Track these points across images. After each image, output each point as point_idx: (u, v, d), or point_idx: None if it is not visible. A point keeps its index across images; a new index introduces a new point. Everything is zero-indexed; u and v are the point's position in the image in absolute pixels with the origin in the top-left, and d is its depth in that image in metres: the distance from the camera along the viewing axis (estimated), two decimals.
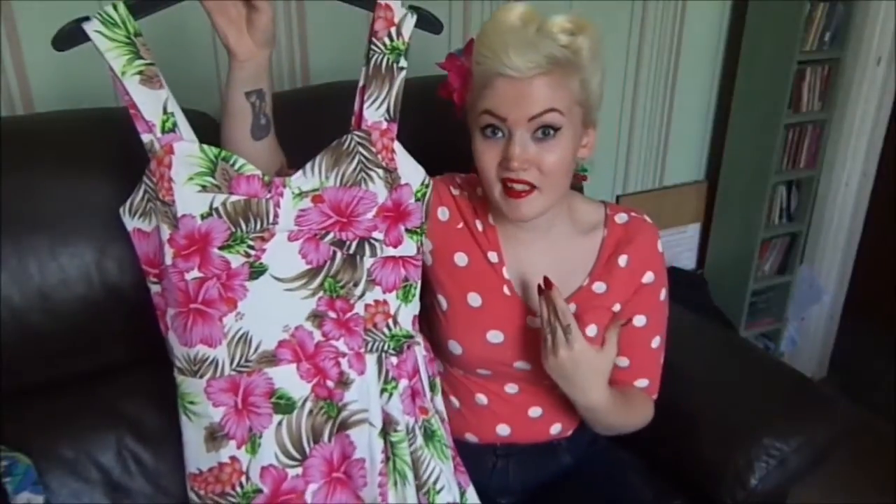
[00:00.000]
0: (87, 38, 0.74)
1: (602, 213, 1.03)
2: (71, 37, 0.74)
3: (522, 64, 0.83)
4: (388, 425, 0.88)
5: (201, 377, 0.82)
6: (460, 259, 1.01)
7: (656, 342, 1.04)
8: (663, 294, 1.04)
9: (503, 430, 1.04)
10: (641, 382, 1.04)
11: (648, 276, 1.01)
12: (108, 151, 1.03)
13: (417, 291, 0.91)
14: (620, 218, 1.03)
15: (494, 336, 0.99)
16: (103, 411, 1.03)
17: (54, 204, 0.99)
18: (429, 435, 0.93)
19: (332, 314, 0.86)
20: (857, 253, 2.27)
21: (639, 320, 1.02)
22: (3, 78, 1.22)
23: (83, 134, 1.06)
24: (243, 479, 0.84)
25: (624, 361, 1.03)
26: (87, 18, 0.74)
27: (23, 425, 0.97)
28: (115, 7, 0.74)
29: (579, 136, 0.92)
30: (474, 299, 0.99)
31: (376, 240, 0.86)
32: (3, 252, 0.96)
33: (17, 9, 1.19)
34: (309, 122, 1.14)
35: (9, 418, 0.96)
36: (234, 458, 0.84)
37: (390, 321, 0.88)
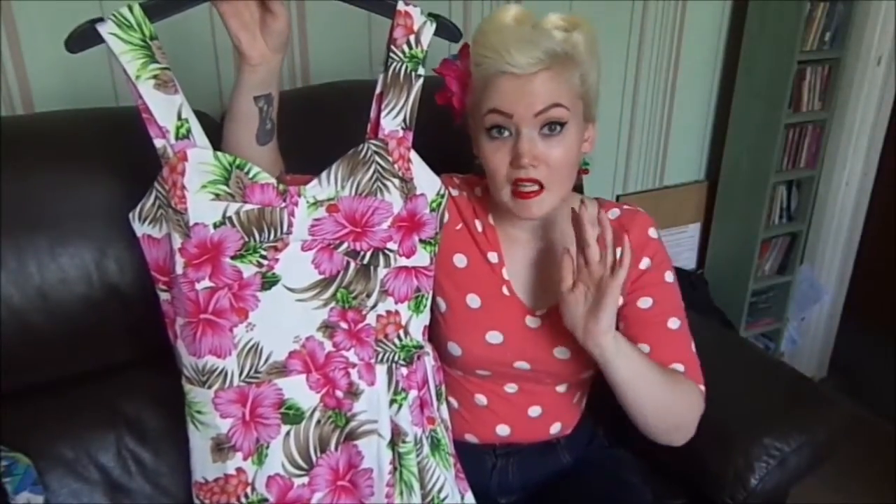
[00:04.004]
0: (101, 40, 0.72)
1: (595, 210, 1.03)
2: (84, 38, 0.72)
3: (524, 60, 0.84)
4: (396, 436, 0.88)
5: (209, 388, 0.81)
6: (459, 260, 1.00)
7: (674, 324, 0.98)
8: (668, 276, 1.00)
9: (503, 430, 1.04)
10: (676, 367, 0.96)
11: (645, 263, 0.99)
12: (109, 151, 1.04)
13: (429, 302, 0.90)
14: (612, 214, 1.02)
15: (494, 337, 0.98)
16: (103, 411, 1.03)
17: (54, 204, 0.99)
18: (434, 444, 0.93)
19: (344, 325, 0.85)
20: (857, 253, 2.27)
21: (644, 302, 0.98)
22: (3, 78, 1.22)
23: (83, 134, 1.06)
24: (249, 490, 0.83)
25: (644, 348, 0.97)
26: (101, 20, 0.71)
27: (23, 425, 0.97)
28: (130, 9, 0.72)
29: (582, 130, 0.92)
30: (473, 300, 0.99)
31: (390, 250, 0.85)
32: (3, 252, 0.95)
33: (17, 9, 1.19)
34: (309, 122, 1.14)
35: (9, 418, 0.96)
36: (240, 470, 0.83)
37: (401, 332, 0.88)
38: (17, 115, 1.24)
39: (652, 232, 1.01)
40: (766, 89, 1.95)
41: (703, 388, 0.97)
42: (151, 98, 0.74)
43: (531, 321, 1.00)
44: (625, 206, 1.03)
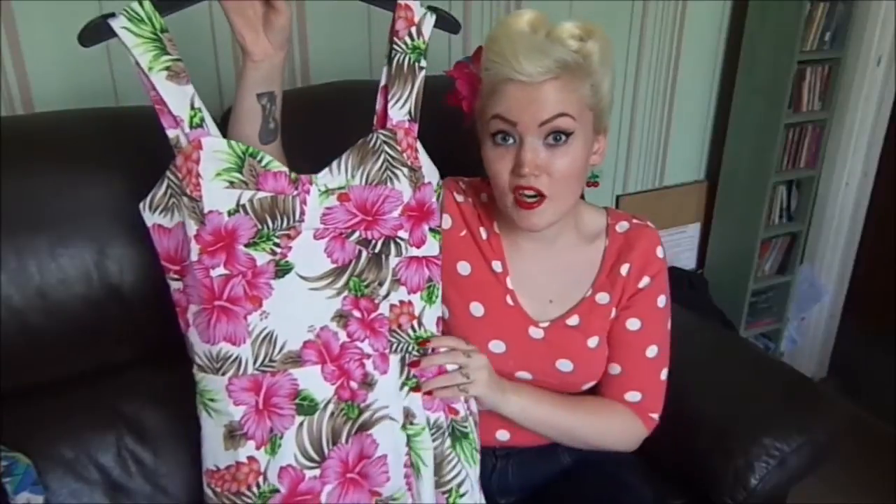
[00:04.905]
0: (113, 34, 0.74)
1: (604, 221, 1.03)
2: (97, 32, 0.74)
3: (532, 69, 0.83)
4: (405, 419, 0.88)
5: (223, 375, 0.82)
6: (463, 268, 1.00)
7: (652, 352, 1.01)
8: (661, 301, 1.02)
9: (503, 435, 1.04)
10: (633, 396, 1.01)
11: (644, 281, 1.00)
12: (109, 151, 1.04)
13: (440, 293, 0.91)
14: (621, 226, 1.02)
15: (496, 346, 0.98)
16: (103, 411, 1.03)
17: (54, 204, 0.99)
18: (459, 436, 0.92)
19: (357, 313, 0.86)
20: (857, 253, 2.27)
21: (632, 324, 1.00)
22: (3, 78, 1.22)
23: (83, 134, 1.06)
24: (260, 479, 0.83)
25: (615, 368, 1.02)
26: (112, 15, 0.74)
27: (23, 425, 0.97)
28: (140, 4, 0.74)
29: (591, 141, 0.91)
30: (476, 309, 0.99)
31: (401, 239, 0.86)
32: (3, 252, 0.95)
33: (17, 9, 1.19)
34: (309, 122, 1.14)
35: (9, 418, 0.96)
36: (251, 459, 0.83)
37: (415, 322, 0.88)
38: (17, 115, 1.24)
39: (659, 251, 1.01)
40: (766, 89, 1.95)
41: (655, 415, 1.03)
42: (165, 89, 0.76)
43: (534, 332, 0.99)
44: (634, 220, 1.03)
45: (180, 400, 1.06)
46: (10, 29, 1.20)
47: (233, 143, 0.79)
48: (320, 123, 1.15)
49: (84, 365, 1.05)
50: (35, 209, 0.98)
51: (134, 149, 1.02)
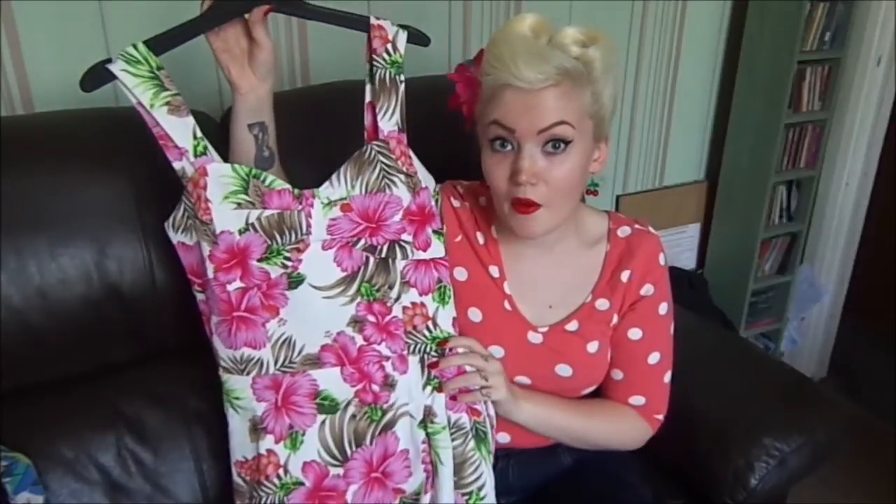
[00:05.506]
0: (113, 77, 0.78)
1: (605, 225, 1.02)
2: (98, 77, 0.78)
3: (532, 75, 0.82)
4: (427, 417, 0.90)
5: (248, 374, 0.86)
6: (459, 274, 0.99)
7: (654, 358, 1.01)
8: (663, 308, 1.01)
9: (503, 437, 1.03)
10: (636, 400, 1.02)
11: (647, 289, 1.00)
12: (109, 151, 1.04)
13: (452, 293, 0.92)
14: (623, 231, 1.01)
15: (494, 351, 0.97)
16: (103, 411, 1.03)
17: (54, 204, 0.99)
18: (481, 437, 0.93)
19: (372, 318, 0.88)
20: (857, 253, 2.27)
21: (634, 333, 1.00)
22: (3, 78, 1.22)
23: (84, 134, 1.06)
24: (281, 471, 0.86)
25: (618, 374, 1.02)
26: (109, 60, 0.78)
27: (23, 425, 0.97)
28: (135, 46, 0.79)
29: (590, 149, 0.90)
30: (474, 314, 0.99)
31: (406, 242, 0.89)
32: (3, 252, 0.95)
33: (17, 9, 1.19)
34: (309, 122, 1.14)
35: (9, 418, 0.96)
36: (270, 452, 0.86)
37: (430, 323, 0.90)
38: (17, 115, 1.24)
39: (661, 258, 1.01)
40: (766, 89, 1.95)
41: (660, 416, 1.03)
42: (167, 122, 0.80)
43: (533, 337, 0.99)
44: (636, 226, 1.02)
45: (180, 400, 1.06)
46: (10, 29, 1.20)
47: (236, 166, 0.82)
48: (320, 123, 1.15)
49: (84, 365, 1.05)
50: (35, 209, 0.98)
51: (134, 149, 1.02)
